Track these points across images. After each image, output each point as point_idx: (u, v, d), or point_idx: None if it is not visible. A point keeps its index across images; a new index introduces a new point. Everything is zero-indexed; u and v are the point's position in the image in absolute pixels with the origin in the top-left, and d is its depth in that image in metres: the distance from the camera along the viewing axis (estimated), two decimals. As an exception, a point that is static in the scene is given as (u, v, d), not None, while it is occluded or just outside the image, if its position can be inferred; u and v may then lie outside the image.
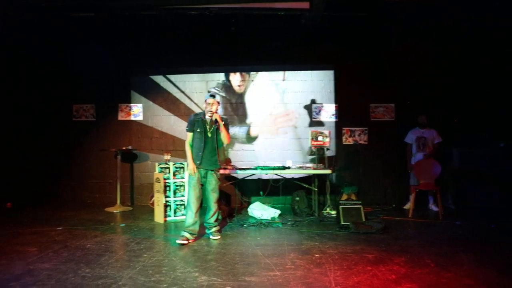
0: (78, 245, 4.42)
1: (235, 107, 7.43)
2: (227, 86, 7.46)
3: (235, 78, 7.45)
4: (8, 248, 4.30)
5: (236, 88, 7.44)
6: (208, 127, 4.68)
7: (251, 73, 7.42)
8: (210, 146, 4.67)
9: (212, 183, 4.73)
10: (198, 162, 4.64)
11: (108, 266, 3.67)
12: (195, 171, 4.63)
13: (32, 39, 7.32)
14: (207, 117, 4.68)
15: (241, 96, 7.43)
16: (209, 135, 4.67)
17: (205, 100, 4.75)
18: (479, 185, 6.71)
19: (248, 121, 7.38)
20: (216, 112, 4.68)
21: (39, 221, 5.78)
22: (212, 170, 4.72)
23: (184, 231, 4.60)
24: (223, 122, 4.68)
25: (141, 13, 6.56)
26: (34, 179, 7.55)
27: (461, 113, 6.92)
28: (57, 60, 7.64)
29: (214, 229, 4.82)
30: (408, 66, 6.97)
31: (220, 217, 5.16)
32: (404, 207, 6.66)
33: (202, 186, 4.76)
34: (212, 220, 4.80)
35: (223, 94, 7.42)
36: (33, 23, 6.76)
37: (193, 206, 4.63)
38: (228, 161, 7.06)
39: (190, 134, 4.74)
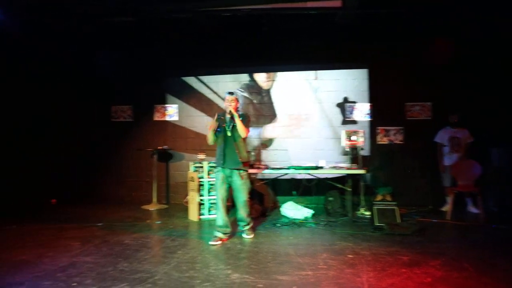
0: (117, 241, 4.61)
1: (267, 106, 7.46)
2: (258, 86, 7.51)
3: (266, 78, 7.49)
4: (55, 241, 4.57)
5: (267, 87, 7.47)
6: (227, 126, 4.60)
7: (283, 72, 7.43)
8: (232, 145, 4.59)
9: (238, 182, 4.63)
10: (222, 162, 4.61)
11: (145, 261, 3.81)
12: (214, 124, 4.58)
13: (70, 45, 7.66)
14: (226, 115, 4.62)
15: (272, 95, 7.45)
16: (229, 134, 4.58)
17: (224, 98, 4.73)
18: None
19: (280, 120, 7.40)
20: (235, 110, 4.60)
21: (81, 217, 6.07)
22: (236, 169, 4.62)
23: (217, 231, 4.64)
24: (240, 117, 4.56)
25: (175, 16, 6.71)
26: (76, 177, 7.93)
27: (500, 111, 6.61)
28: (95, 64, 7.96)
29: (246, 227, 4.80)
30: (445, 64, 6.74)
31: (249, 217, 4.99)
32: (442, 209, 6.44)
33: (230, 186, 4.72)
34: (243, 218, 4.76)
35: (255, 94, 7.48)
36: (70, 30, 7.07)
37: (221, 206, 4.63)
38: (259, 160, 7.10)
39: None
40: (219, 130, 4.61)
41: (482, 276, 3.37)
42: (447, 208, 6.13)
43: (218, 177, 4.68)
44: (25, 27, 6.56)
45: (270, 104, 7.46)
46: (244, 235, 4.77)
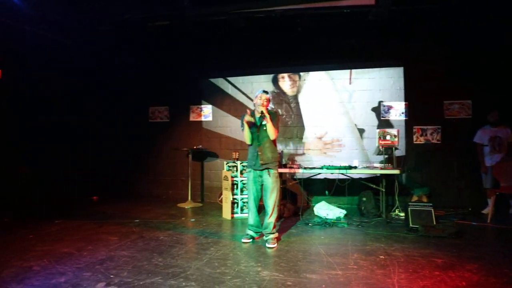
0: (152, 236, 4.79)
1: (299, 107, 7.46)
2: (291, 86, 7.52)
3: (300, 78, 7.48)
4: (95, 236, 4.80)
5: (301, 87, 7.47)
6: (257, 126, 4.54)
7: (316, 72, 7.40)
8: (262, 145, 4.51)
9: (268, 182, 4.50)
10: (253, 162, 4.56)
11: (178, 256, 3.94)
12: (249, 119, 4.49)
13: (112, 47, 8.02)
14: (256, 114, 4.56)
15: (306, 95, 7.44)
16: (259, 134, 4.52)
17: (256, 96, 4.59)
18: None
19: (313, 120, 7.37)
20: (266, 108, 4.49)
21: (120, 213, 6.33)
22: (267, 169, 4.52)
23: (249, 229, 4.68)
24: (270, 115, 4.44)
25: (212, 19, 6.85)
26: (116, 176, 8.30)
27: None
28: (134, 66, 8.29)
29: (270, 236, 4.47)
30: (486, 60, 6.47)
31: (276, 222, 4.75)
32: (483, 212, 6.19)
33: (262, 186, 4.64)
34: (268, 226, 4.50)
35: (288, 94, 7.50)
36: (113, 34, 7.39)
37: (251, 205, 4.64)
38: (292, 160, 7.11)
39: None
40: (253, 127, 4.55)
41: (522, 282, 3.24)
42: (488, 210, 5.89)
43: (249, 176, 4.65)
44: (72, 32, 6.95)
45: (306, 104, 7.45)
46: (267, 245, 4.39)
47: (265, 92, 4.59)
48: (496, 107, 6.15)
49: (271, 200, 4.50)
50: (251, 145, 4.62)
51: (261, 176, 4.58)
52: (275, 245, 4.40)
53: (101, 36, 7.36)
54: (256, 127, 4.56)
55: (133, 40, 7.81)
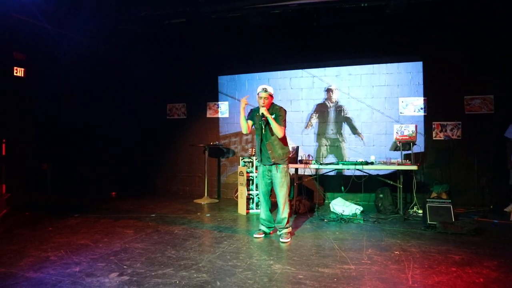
0: (167, 230, 4.84)
1: (317, 103, 7.40)
2: (308, 82, 7.46)
3: (316, 74, 7.41)
4: (111, 229, 4.89)
5: (318, 83, 7.40)
6: (262, 123, 4.46)
7: (333, 67, 7.32)
8: (267, 142, 4.45)
9: (277, 178, 4.45)
10: (259, 158, 4.57)
11: (191, 249, 3.97)
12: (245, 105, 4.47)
13: (130, 45, 8.15)
14: (260, 111, 4.44)
15: (323, 91, 7.37)
16: (263, 131, 4.47)
17: (257, 94, 4.49)
18: None
19: (331, 116, 7.30)
20: (267, 106, 4.40)
21: (137, 208, 6.43)
22: (275, 165, 4.46)
23: (261, 224, 4.68)
24: (274, 113, 4.41)
25: (228, 15, 6.87)
26: (134, 172, 8.44)
27: None
28: (153, 64, 8.39)
29: (284, 231, 4.47)
30: (509, 53, 6.27)
31: (289, 217, 4.67)
32: (505, 210, 5.99)
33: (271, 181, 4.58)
34: (281, 221, 4.49)
35: (310, 90, 7.46)
36: (131, 33, 7.50)
37: (262, 200, 4.64)
38: (308, 155, 7.04)
39: (250, 122, 4.61)
40: (259, 123, 4.49)
41: (542, 279, 3.12)
42: (510, 208, 5.70)
43: (259, 172, 4.65)
44: (91, 31, 7.09)
45: (323, 100, 7.39)
46: (281, 239, 4.39)
47: (264, 89, 4.42)
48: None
49: (281, 195, 4.47)
50: (258, 141, 4.56)
51: (270, 171, 4.54)
52: (289, 239, 4.39)
53: (119, 34, 7.49)
54: (260, 126, 4.49)
55: (151, 38, 7.91)
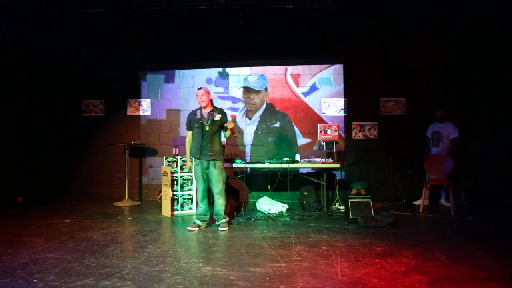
0: (85, 237, 4.43)
1: (243, 102, 7.38)
2: (234, 80, 7.41)
3: (242, 72, 7.39)
4: (16, 239, 4.33)
5: (243, 82, 7.38)
6: (204, 120, 4.77)
7: (258, 67, 7.36)
8: (208, 138, 4.75)
9: (214, 174, 4.77)
10: (198, 155, 4.77)
11: (113, 256, 3.66)
12: (189, 166, 5.07)
13: (41, 37, 7.35)
14: (203, 111, 4.86)
15: (249, 91, 7.36)
16: (207, 128, 4.75)
17: (196, 94, 4.88)
18: (495, 180, 6.47)
19: (257, 115, 7.32)
20: (209, 102, 4.87)
21: (49, 214, 5.81)
22: (213, 161, 4.76)
23: (196, 218, 4.97)
24: (218, 116, 4.84)
25: (152, 8, 6.53)
26: (45, 174, 7.61)
27: (474, 108, 6.74)
28: (67, 57, 7.69)
29: (222, 220, 4.88)
30: (420, 60, 6.82)
31: (226, 208, 5.12)
32: (415, 203, 6.52)
33: (208, 178, 4.89)
34: (219, 212, 4.87)
35: (236, 89, 7.39)
36: (43, 21, 6.79)
37: (200, 196, 4.89)
38: (234, 154, 6.99)
39: (189, 133, 4.97)
40: (196, 127, 4.83)
41: (453, 264, 3.40)
42: (420, 202, 6.20)
43: (197, 168, 4.84)
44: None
45: (248, 98, 7.38)
46: (219, 228, 4.82)
47: (199, 88, 4.88)
48: (429, 104, 6.51)
49: (218, 190, 4.80)
50: (197, 138, 4.83)
51: (207, 168, 4.81)
52: (227, 228, 4.83)
53: (30, 23, 6.72)
54: (202, 124, 4.77)
55: (64, 28, 7.21)
